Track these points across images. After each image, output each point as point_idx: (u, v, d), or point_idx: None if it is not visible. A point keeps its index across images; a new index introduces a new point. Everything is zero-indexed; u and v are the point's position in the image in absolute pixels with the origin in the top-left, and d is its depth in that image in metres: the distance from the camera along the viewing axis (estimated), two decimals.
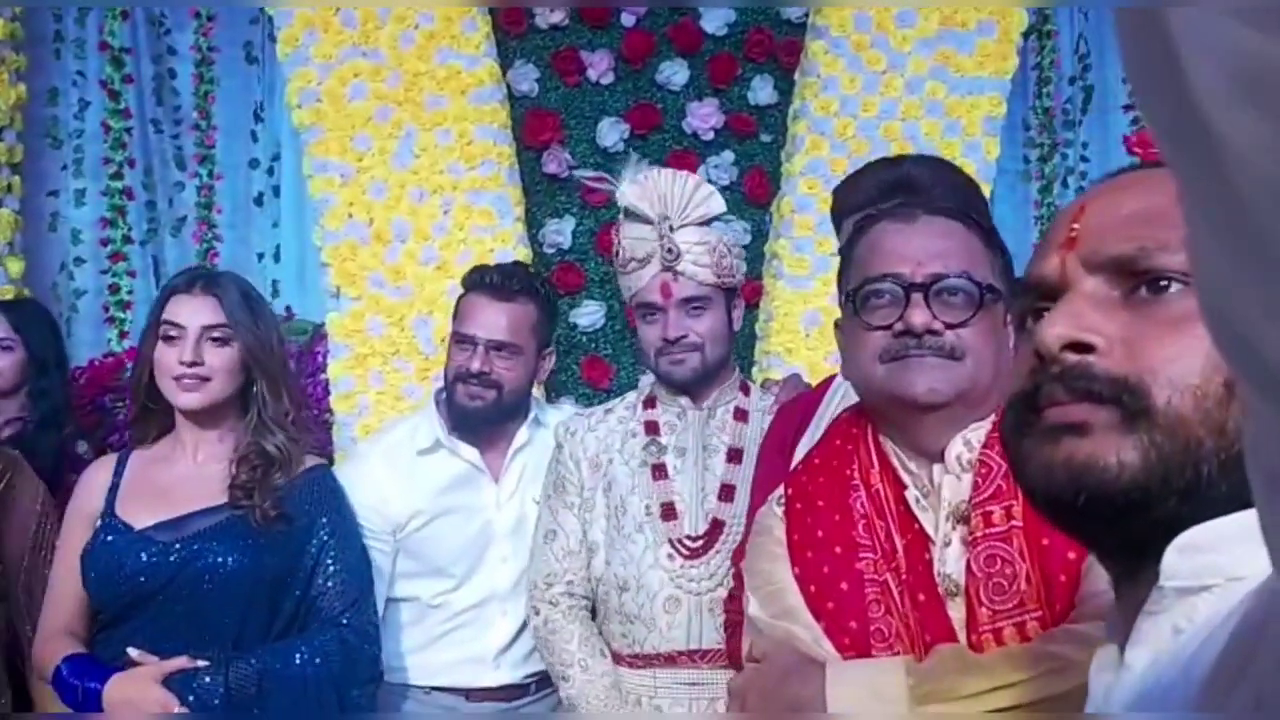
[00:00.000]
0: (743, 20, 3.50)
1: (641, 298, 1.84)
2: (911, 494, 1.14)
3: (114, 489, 1.74)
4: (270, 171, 4.16)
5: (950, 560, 1.10)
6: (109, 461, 1.80)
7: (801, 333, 3.26)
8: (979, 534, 1.08)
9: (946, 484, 1.12)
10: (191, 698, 1.61)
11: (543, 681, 2.05)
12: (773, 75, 3.51)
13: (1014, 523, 1.07)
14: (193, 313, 1.74)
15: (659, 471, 1.87)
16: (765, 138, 3.49)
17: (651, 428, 1.90)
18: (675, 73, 3.48)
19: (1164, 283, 0.64)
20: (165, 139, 4.14)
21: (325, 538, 1.78)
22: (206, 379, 1.73)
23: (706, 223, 1.83)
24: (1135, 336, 0.63)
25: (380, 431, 2.29)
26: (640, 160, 2.00)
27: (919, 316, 1.11)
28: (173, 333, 1.73)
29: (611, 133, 3.48)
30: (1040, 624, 1.06)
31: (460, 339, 2.02)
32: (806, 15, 3.48)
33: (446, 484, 2.07)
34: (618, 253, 1.86)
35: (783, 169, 3.44)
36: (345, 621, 1.75)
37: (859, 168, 1.72)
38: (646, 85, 3.51)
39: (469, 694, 2.04)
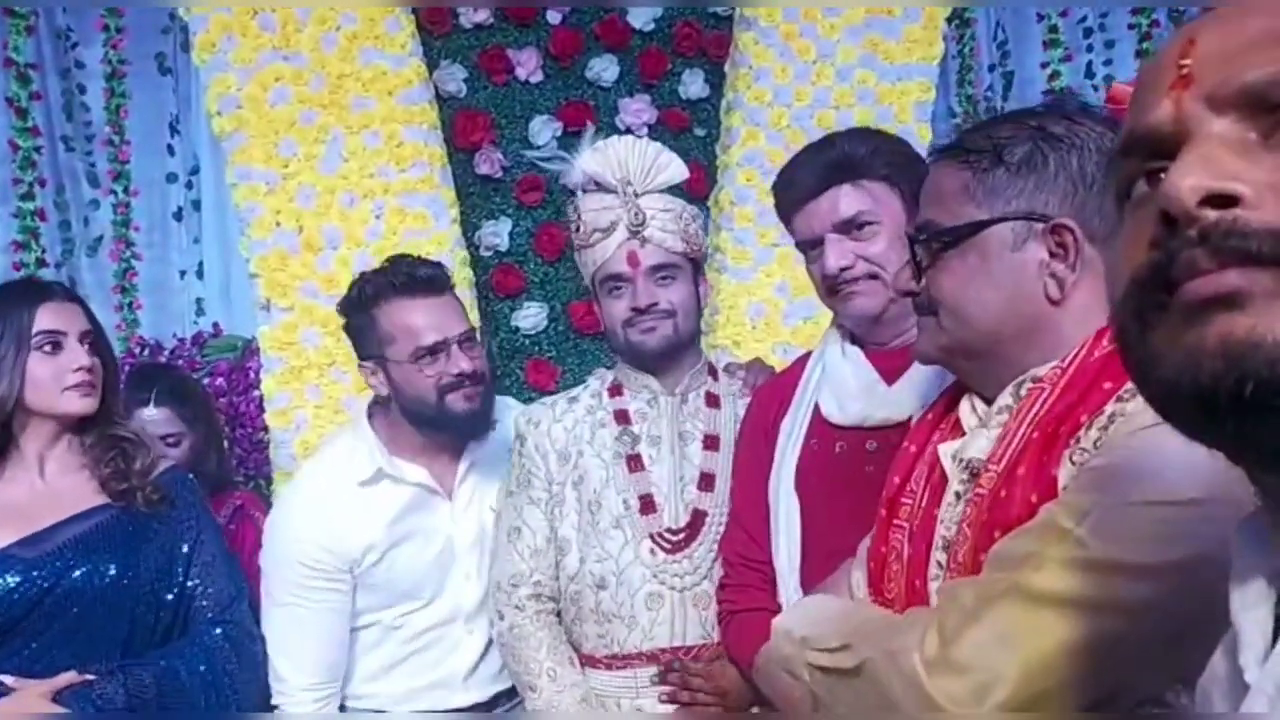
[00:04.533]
0: (669, 15, 3.48)
1: (607, 269, 1.77)
2: (947, 447, 1.10)
3: None
4: (189, 185, 4.03)
5: (947, 521, 1.06)
6: None
7: (748, 324, 3.25)
8: (983, 491, 1.03)
9: (972, 437, 1.07)
10: (92, 710, 1.55)
11: (510, 693, 1.96)
12: (703, 69, 3.49)
13: (979, 491, 1.03)
14: (70, 320, 1.69)
15: (634, 463, 1.79)
16: (699, 131, 3.47)
17: (622, 416, 1.82)
18: (605, 69, 3.45)
19: None
20: (77, 156, 4.00)
21: (195, 536, 1.76)
22: (94, 384, 1.68)
23: (669, 191, 1.79)
24: None
25: (314, 460, 2.06)
26: (592, 135, 1.93)
27: (901, 281, 1.13)
28: (56, 340, 1.66)
29: (544, 131, 3.42)
30: None
31: (431, 350, 1.84)
32: (733, 9, 3.48)
33: (396, 513, 1.91)
34: (578, 227, 1.80)
35: (719, 161, 3.42)
36: (228, 618, 1.75)
37: (794, 158, 1.67)
38: (576, 82, 3.46)
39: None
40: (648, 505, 1.77)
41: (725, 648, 1.69)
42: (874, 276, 1.55)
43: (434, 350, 1.84)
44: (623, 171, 1.75)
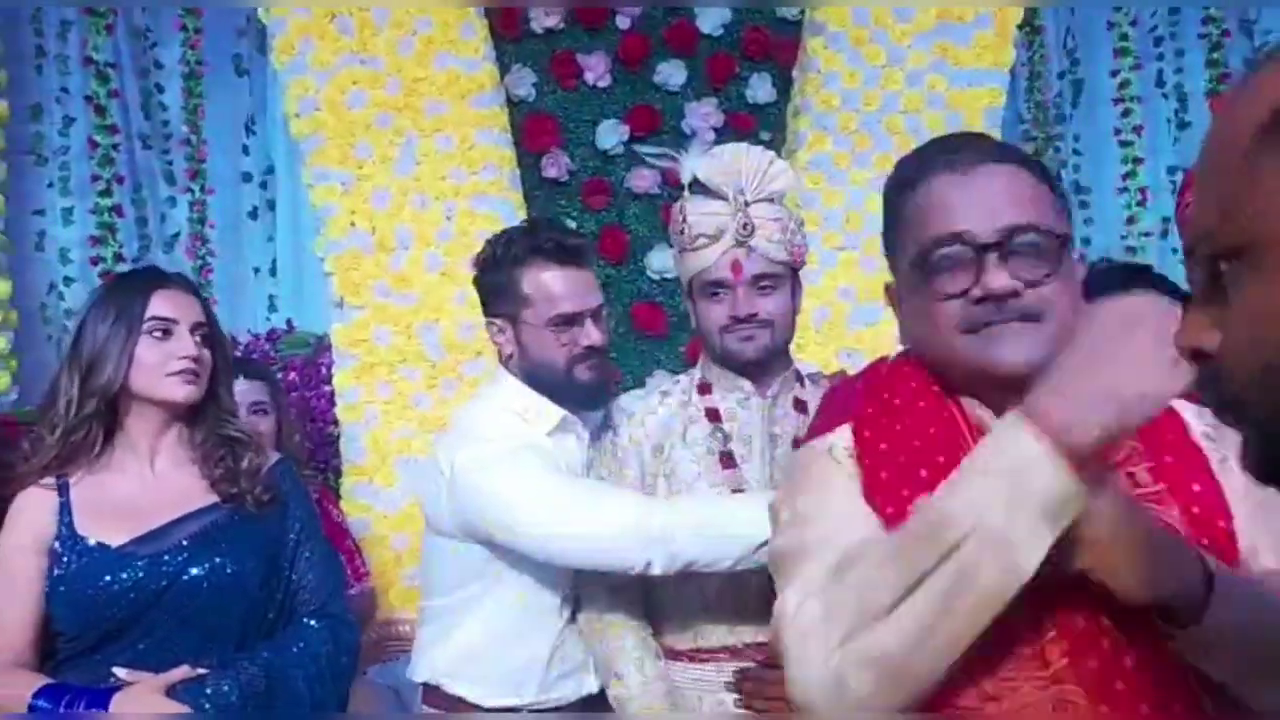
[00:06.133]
0: (738, 19, 3.50)
1: (709, 275, 1.76)
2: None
3: (64, 511, 1.67)
4: (263, 185, 4.11)
5: None
6: (45, 486, 1.68)
7: (812, 329, 3.25)
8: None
9: None
10: (207, 704, 1.57)
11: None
12: (770, 73, 3.50)
13: (1162, 485, 1.00)
14: (184, 309, 1.71)
15: (727, 460, 1.79)
16: (765, 135, 3.48)
17: (713, 415, 1.82)
18: (673, 73, 3.48)
19: None
20: (155, 154, 4.09)
21: (299, 529, 1.76)
22: (198, 374, 1.69)
23: (775, 199, 1.79)
24: None
25: (479, 431, 1.88)
26: (712, 139, 1.94)
27: (998, 280, 1.00)
28: (167, 328, 1.68)
29: (610, 135, 3.46)
30: None
31: (567, 320, 1.83)
32: (802, 13, 3.49)
33: (579, 463, 1.90)
34: (682, 230, 1.79)
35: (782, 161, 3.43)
36: (329, 610, 1.76)
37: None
38: (644, 87, 3.50)
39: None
40: None
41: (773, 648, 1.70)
42: None
43: (570, 320, 1.84)
44: (735, 179, 1.74)
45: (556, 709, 1.88)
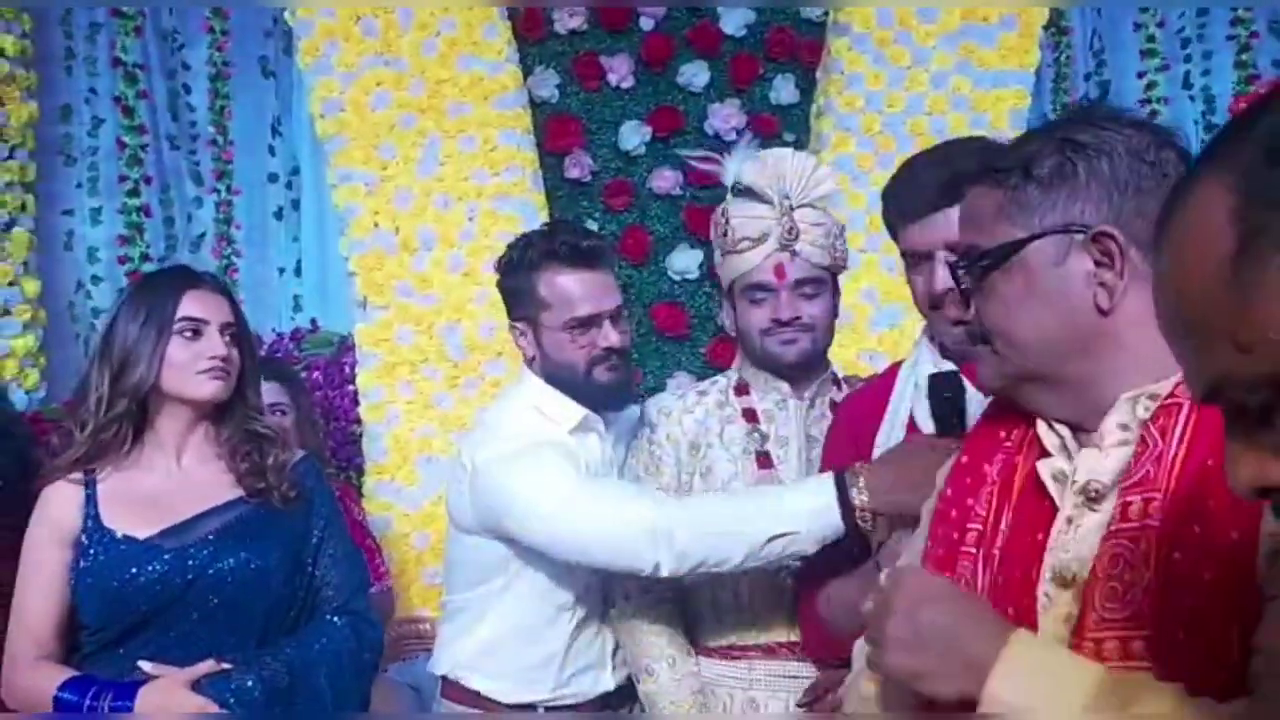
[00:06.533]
0: (762, 20, 3.49)
1: (751, 278, 1.76)
2: (1048, 465, 1.02)
3: (90, 504, 1.69)
4: (289, 185, 4.15)
5: (1072, 546, 0.98)
6: (72, 481, 1.70)
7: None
8: (1113, 525, 0.94)
9: (1083, 458, 0.99)
10: (231, 699, 1.59)
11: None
12: (794, 74, 3.49)
13: (1149, 520, 0.92)
14: (214, 309, 1.73)
15: (764, 460, 1.81)
16: (788, 137, 3.47)
17: (750, 415, 1.83)
18: (696, 74, 3.47)
19: None
20: (182, 155, 4.14)
21: (324, 526, 1.78)
22: (227, 372, 1.71)
23: (818, 205, 1.79)
24: None
25: (506, 430, 1.89)
26: (752, 142, 1.93)
27: (952, 312, 1.08)
28: (197, 328, 1.71)
29: (633, 136, 3.46)
30: (1147, 645, 0.89)
31: (584, 322, 1.83)
32: (826, 14, 3.48)
33: (599, 463, 1.91)
34: (725, 233, 1.79)
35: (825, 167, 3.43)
36: (352, 607, 1.77)
37: (909, 167, 1.64)
38: (667, 88, 3.49)
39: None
40: None
41: (805, 645, 1.73)
42: None
43: (587, 322, 1.85)
44: (780, 183, 1.75)
45: (572, 706, 1.89)
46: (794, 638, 1.77)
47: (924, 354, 1.65)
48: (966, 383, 1.47)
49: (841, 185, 3.34)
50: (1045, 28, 3.52)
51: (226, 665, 1.61)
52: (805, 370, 1.82)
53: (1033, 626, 0.96)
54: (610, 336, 1.85)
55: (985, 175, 1.05)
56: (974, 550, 1.05)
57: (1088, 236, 0.98)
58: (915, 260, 1.60)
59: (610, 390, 1.88)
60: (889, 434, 1.64)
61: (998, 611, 0.95)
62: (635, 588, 1.82)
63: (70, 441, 1.71)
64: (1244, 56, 4.39)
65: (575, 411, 1.88)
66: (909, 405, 1.64)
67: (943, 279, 1.51)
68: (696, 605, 1.83)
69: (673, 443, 1.84)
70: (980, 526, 1.05)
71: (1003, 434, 1.08)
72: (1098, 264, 0.98)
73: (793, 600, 1.76)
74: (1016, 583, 1.00)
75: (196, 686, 1.59)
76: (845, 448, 1.69)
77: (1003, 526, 1.04)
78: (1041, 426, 1.04)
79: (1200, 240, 0.56)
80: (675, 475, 1.84)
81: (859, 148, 3.34)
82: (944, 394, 1.49)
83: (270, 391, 2.52)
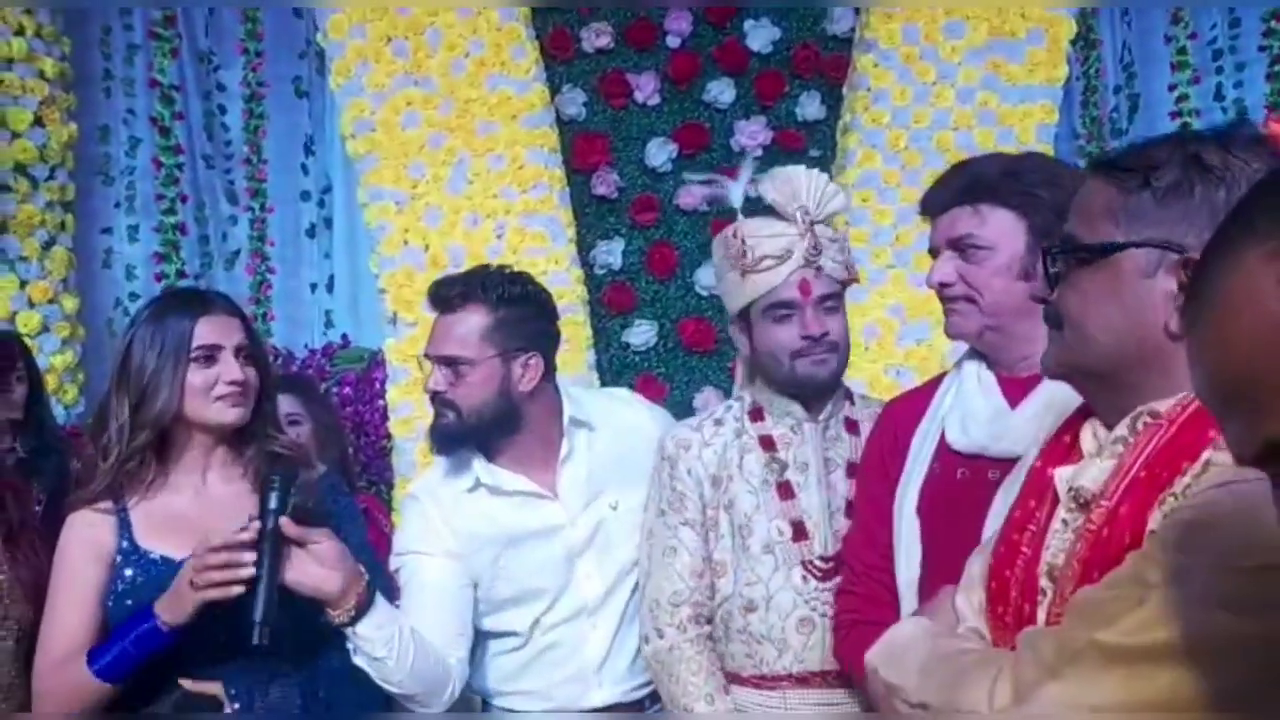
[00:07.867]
0: (787, 37, 3.51)
1: (775, 296, 1.74)
2: (1065, 470, 1.07)
3: (125, 528, 1.72)
4: (321, 203, 4.21)
5: (1054, 548, 1.05)
6: (100, 508, 1.71)
7: (861, 345, 3.24)
8: (1091, 528, 1.01)
9: (1082, 464, 1.05)
10: (262, 711, 1.62)
11: (655, 696, 1.92)
12: (820, 91, 3.51)
13: (1107, 528, 0.99)
14: (226, 333, 1.75)
15: (784, 490, 1.79)
16: (814, 153, 3.49)
17: (767, 443, 1.82)
18: (722, 91, 3.50)
19: None
20: (217, 174, 4.21)
21: (344, 539, 1.78)
22: (245, 394, 1.74)
23: (829, 220, 1.81)
24: None
25: (428, 472, 2.08)
26: (753, 160, 1.95)
27: (1036, 290, 1.14)
28: (211, 354, 1.73)
29: (660, 153, 3.49)
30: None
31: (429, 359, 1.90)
32: (853, 30, 3.49)
33: (508, 516, 1.93)
34: (743, 253, 1.78)
35: (834, 183, 3.44)
36: None
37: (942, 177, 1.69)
38: (693, 105, 3.52)
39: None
40: (800, 533, 1.76)
41: (840, 654, 1.70)
42: (970, 300, 1.55)
43: (430, 361, 1.92)
44: (800, 200, 1.75)
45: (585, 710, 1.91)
46: (827, 667, 1.76)
47: (969, 366, 1.65)
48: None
49: (868, 201, 3.38)
50: (1073, 41, 3.51)
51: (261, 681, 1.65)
52: (828, 390, 1.83)
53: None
54: (429, 382, 1.88)
55: (1107, 169, 1.06)
56: (1027, 551, 1.11)
57: (1180, 259, 0.99)
58: (934, 255, 1.63)
59: (435, 435, 1.93)
60: (922, 443, 1.65)
61: (1024, 603, 1.06)
62: (671, 627, 1.81)
63: (95, 473, 1.73)
64: (1277, 68, 4.34)
65: (467, 472, 1.93)
66: (944, 417, 1.64)
67: (936, 274, 1.57)
68: (728, 637, 1.81)
69: (694, 478, 1.82)
70: (1035, 527, 1.11)
71: (1068, 439, 1.13)
72: (1181, 287, 0.98)
73: (824, 633, 1.76)
74: (1031, 580, 1.09)
75: (231, 698, 1.61)
76: (883, 452, 1.70)
77: (1038, 527, 1.11)
78: (1086, 431, 1.09)
79: (1251, 306, 0.57)
80: (700, 509, 1.82)
81: (885, 164, 3.34)
82: None
83: (284, 403, 2.54)
